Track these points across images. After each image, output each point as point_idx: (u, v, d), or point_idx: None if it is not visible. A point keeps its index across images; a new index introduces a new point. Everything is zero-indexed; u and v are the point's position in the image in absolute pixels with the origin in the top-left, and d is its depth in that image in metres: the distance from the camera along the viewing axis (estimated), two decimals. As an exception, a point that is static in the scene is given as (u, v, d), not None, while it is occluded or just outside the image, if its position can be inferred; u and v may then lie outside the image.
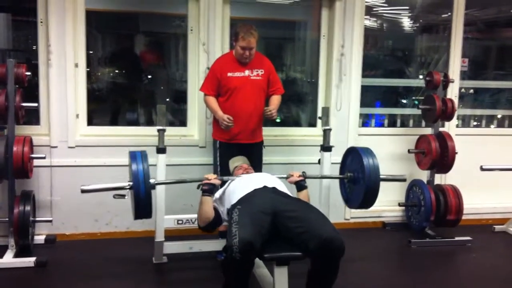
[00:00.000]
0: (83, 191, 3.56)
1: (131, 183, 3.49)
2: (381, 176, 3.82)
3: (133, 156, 3.54)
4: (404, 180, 4.35)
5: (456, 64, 5.60)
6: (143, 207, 3.48)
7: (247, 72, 4.35)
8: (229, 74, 4.32)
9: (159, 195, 4.07)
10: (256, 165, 4.35)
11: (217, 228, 3.81)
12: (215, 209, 3.63)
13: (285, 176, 3.93)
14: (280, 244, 3.23)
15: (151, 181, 3.52)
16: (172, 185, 4.54)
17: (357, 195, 3.96)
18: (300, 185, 3.84)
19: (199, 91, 4.54)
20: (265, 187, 3.57)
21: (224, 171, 4.23)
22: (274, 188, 3.59)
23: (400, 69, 6.08)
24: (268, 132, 4.78)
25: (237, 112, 4.27)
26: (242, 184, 3.64)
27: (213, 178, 3.70)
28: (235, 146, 4.35)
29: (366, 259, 4.62)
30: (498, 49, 6.45)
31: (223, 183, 3.80)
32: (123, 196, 3.68)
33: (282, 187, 3.71)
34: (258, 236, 3.05)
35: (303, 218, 3.21)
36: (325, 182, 4.36)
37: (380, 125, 5.83)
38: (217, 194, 3.75)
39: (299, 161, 4.98)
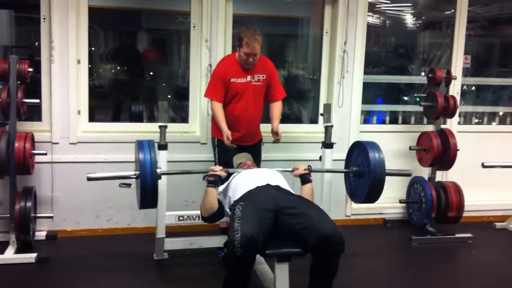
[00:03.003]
0: (89, 179, 3.56)
1: (137, 172, 3.51)
2: (386, 171, 3.79)
3: (141, 145, 3.54)
4: (410, 175, 4.34)
5: (458, 61, 5.59)
6: (149, 196, 3.49)
7: (249, 78, 4.27)
8: (233, 80, 4.23)
9: (161, 191, 4.06)
10: (255, 163, 4.35)
11: (219, 220, 3.80)
12: (219, 202, 3.64)
13: (290, 169, 3.90)
14: (281, 241, 3.23)
15: (158, 170, 3.51)
16: (174, 181, 4.58)
17: (362, 189, 3.93)
18: (305, 178, 3.79)
19: (204, 97, 4.46)
20: (268, 185, 3.56)
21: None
22: (277, 186, 3.59)
23: (402, 66, 6.07)
24: (269, 129, 4.77)
25: (238, 117, 4.26)
26: (245, 180, 3.65)
27: (218, 170, 3.71)
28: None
29: (367, 256, 4.63)
30: (501, 46, 6.43)
31: (229, 175, 3.79)
32: (129, 185, 3.71)
33: (285, 184, 3.71)
34: (260, 232, 3.05)
35: (303, 215, 3.21)
36: (326, 178, 4.36)
37: (382, 122, 5.83)
38: (221, 188, 3.74)
39: (300, 158, 4.91)
